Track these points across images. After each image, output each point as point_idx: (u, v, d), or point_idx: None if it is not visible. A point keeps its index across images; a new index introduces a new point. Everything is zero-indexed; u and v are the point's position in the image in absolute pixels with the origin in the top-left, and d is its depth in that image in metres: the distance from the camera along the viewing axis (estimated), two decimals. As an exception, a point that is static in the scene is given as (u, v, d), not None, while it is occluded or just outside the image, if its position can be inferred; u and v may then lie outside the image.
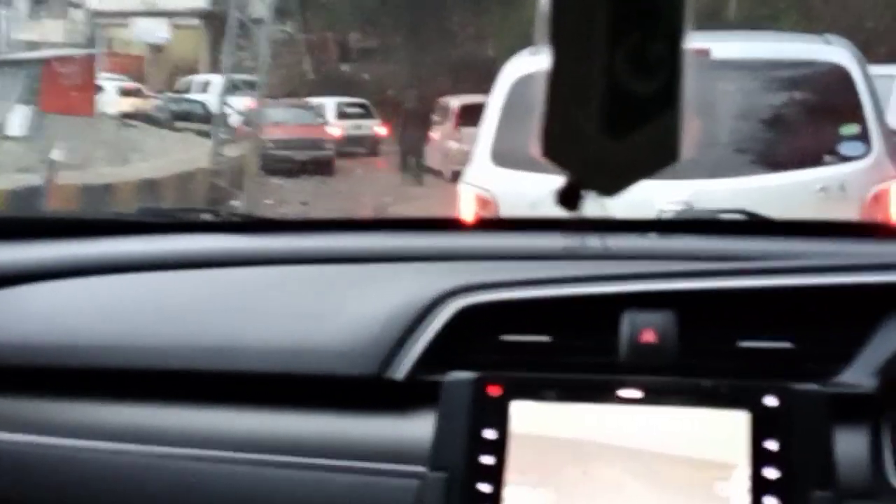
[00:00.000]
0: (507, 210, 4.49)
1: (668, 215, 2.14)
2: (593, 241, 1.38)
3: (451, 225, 1.88)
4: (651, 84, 0.89)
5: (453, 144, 15.38)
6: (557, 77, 0.89)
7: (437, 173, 15.60)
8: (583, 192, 1.03)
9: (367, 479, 1.28)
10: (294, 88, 23.98)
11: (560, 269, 1.43)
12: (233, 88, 17.49)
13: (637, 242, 1.60)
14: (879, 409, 1.27)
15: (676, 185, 4.03)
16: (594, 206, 1.05)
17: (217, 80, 19.80)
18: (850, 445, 1.23)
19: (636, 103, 0.93)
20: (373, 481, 1.28)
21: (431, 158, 16.31)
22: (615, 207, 1.51)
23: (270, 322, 1.44)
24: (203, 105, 21.72)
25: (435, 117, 18.10)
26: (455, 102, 17.26)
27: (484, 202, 4.74)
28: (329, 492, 1.28)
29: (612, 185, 0.98)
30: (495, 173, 4.80)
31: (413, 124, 18.16)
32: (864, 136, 4.64)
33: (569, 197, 1.03)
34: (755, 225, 1.94)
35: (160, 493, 1.34)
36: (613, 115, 0.92)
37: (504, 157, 4.71)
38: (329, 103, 22.73)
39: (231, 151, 15.96)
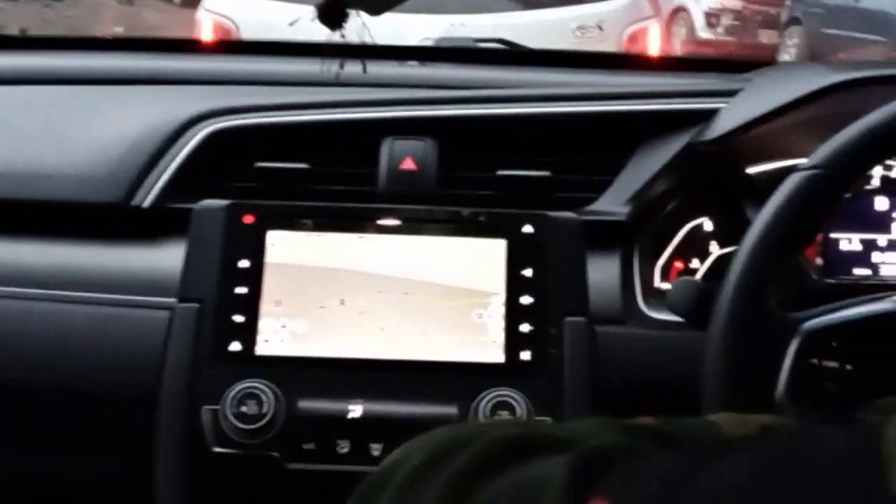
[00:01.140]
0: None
1: (427, 44, 2.15)
2: (351, 67, 1.38)
3: (201, 47, 1.83)
4: None
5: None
6: None
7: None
8: (345, 9, 1.03)
9: (115, 310, 1.26)
10: None
11: (317, 94, 1.42)
12: None
13: (396, 70, 1.61)
14: (631, 237, 1.35)
15: (434, 18, 4.09)
16: (354, 31, 1.04)
17: None
18: (602, 272, 1.31)
19: None
20: (121, 313, 1.26)
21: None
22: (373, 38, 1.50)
23: (3, 145, 1.37)
24: None
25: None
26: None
27: (225, 31, 4.67)
28: (76, 324, 1.26)
29: (375, 2, 0.98)
30: (236, 0, 4.72)
31: None
32: None
33: (331, 13, 1.02)
34: (514, 54, 1.98)
35: None
36: None
37: None
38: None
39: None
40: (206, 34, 4.71)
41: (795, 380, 1.04)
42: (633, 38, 4.78)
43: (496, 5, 4.82)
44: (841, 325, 1.07)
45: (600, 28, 4.73)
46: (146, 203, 1.31)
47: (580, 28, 4.72)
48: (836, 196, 1.09)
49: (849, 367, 1.06)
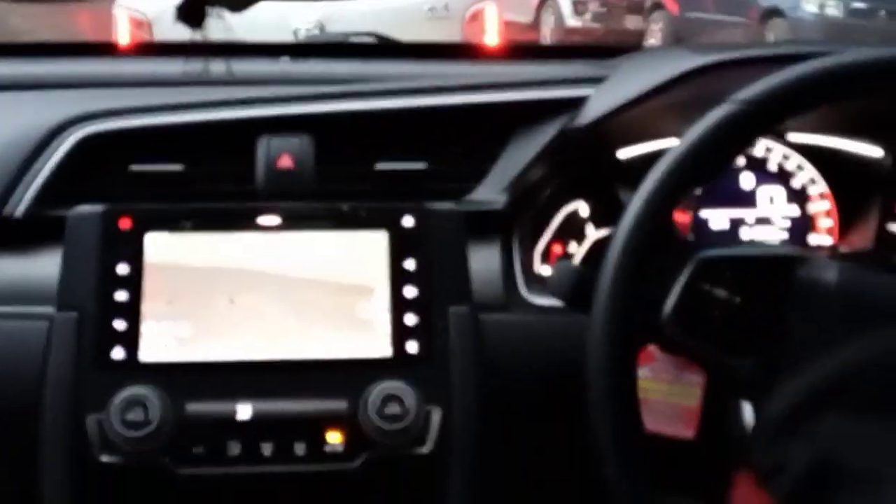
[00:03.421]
0: (163, 32, 4.89)
1: (299, 39, 2.16)
2: (222, 65, 1.38)
3: (69, 50, 1.79)
4: None
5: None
6: None
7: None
8: (207, 7, 1.02)
9: None
10: None
11: (191, 94, 1.41)
12: None
13: (270, 66, 1.60)
14: (509, 224, 1.38)
15: (306, 6, 4.56)
16: (219, 26, 1.04)
17: None
18: (483, 261, 1.34)
19: None
20: None
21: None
22: (247, 31, 1.50)
23: None
24: None
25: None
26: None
27: (139, 23, 5.21)
28: None
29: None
30: None
31: None
32: None
33: (191, 12, 1.02)
34: (386, 47, 1.99)
35: None
36: None
37: None
38: None
39: None
40: (123, 28, 5.24)
41: (684, 301, 1.09)
42: (474, 17, 5.87)
43: None
44: (738, 258, 1.14)
45: (447, 9, 5.83)
46: (18, 212, 1.29)
47: (431, 9, 5.76)
48: (752, 136, 1.12)
49: (737, 298, 1.11)
